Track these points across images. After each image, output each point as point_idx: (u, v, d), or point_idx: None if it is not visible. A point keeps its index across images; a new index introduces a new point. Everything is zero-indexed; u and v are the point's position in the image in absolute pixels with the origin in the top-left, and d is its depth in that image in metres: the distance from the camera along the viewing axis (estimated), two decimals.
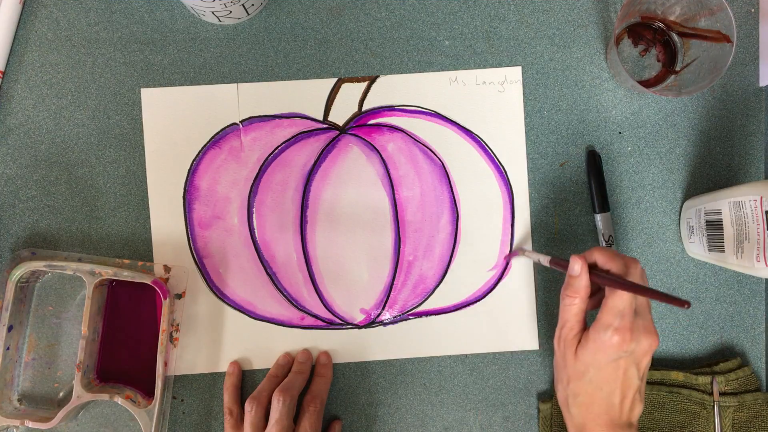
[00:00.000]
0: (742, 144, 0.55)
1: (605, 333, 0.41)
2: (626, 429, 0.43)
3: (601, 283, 0.43)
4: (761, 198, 0.44)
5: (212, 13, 0.50)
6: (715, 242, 0.49)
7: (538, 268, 0.54)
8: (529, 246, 0.54)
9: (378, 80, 0.54)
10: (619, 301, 0.41)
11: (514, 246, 0.54)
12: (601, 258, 0.44)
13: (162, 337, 0.50)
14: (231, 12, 0.50)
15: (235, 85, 0.53)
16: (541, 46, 0.54)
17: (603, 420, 0.43)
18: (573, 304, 0.44)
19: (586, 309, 0.44)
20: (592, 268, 0.44)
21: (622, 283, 0.41)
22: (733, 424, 0.52)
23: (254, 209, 0.53)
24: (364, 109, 0.54)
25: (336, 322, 0.54)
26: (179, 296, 0.53)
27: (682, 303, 0.38)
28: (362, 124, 0.54)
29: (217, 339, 0.53)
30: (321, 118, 0.54)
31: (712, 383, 0.52)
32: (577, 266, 0.44)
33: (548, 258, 0.48)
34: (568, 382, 0.44)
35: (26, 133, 0.53)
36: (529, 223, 0.54)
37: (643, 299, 0.43)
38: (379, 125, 0.54)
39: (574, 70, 0.54)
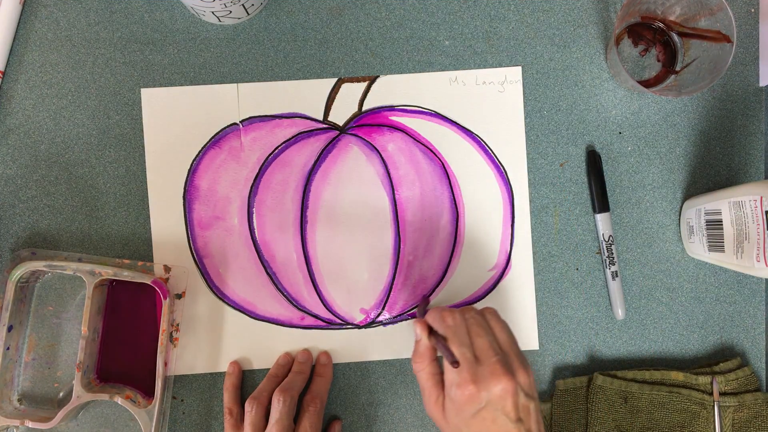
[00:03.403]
0: (742, 144, 0.55)
1: (451, 391, 0.41)
2: None
3: (434, 344, 0.44)
4: (761, 198, 0.44)
5: (212, 13, 0.50)
6: (715, 242, 0.49)
7: (538, 268, 0.54)
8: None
9: (378, 80, 0.54)
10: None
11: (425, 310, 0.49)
12: (430, 319, 0.44)
13: (162, 337, 0.50)
14: (231, 12, 0.50)
15: (235, 85, 0.53)
16: (541, 46, 0.54)
17: None
18: (422, 371, 0.44)
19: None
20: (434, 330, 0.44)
21: (440, 342, 0.42)
22: (733, 424, 0.52)
23: (254, 209, 0.53)
24: (364, 109, 0.54)
25: (336, 322, 0.54)
26: (179, 296, 0.53)
27: (454, 363, 0.40)
28: (362, 124, 0.54)
29: (217, 339, 0.53)
30: (321, 118, 0.54)
31: (712, 383, 0.52)
32: (417, 330, 0.45)
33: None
34: None
35: (26, 133, 0.53)
36: (529, 223, 0.54)
37: (485, 343, 0.41)
38: (379, 125, 0.54)
39: (574, 70, 0.54)
